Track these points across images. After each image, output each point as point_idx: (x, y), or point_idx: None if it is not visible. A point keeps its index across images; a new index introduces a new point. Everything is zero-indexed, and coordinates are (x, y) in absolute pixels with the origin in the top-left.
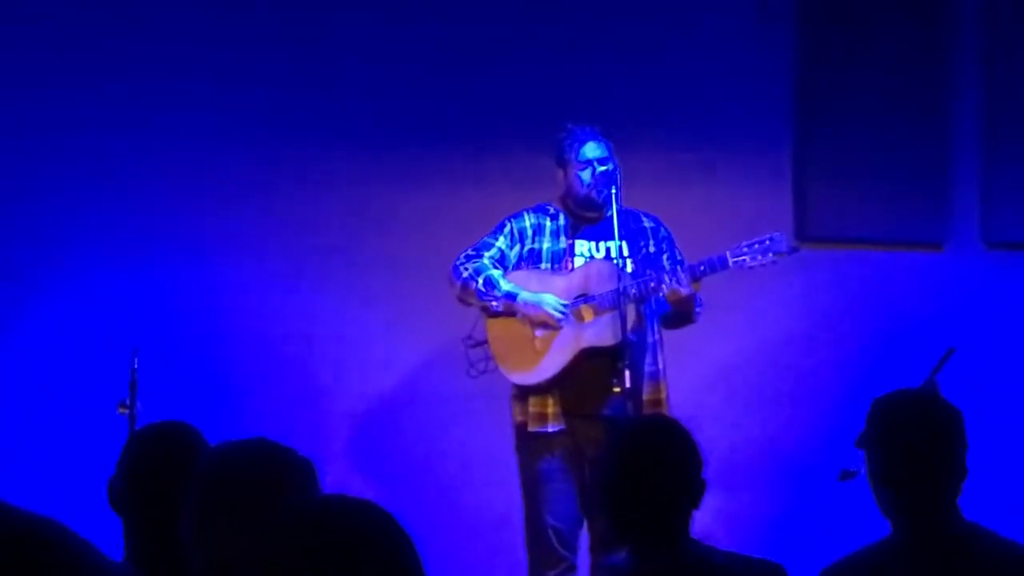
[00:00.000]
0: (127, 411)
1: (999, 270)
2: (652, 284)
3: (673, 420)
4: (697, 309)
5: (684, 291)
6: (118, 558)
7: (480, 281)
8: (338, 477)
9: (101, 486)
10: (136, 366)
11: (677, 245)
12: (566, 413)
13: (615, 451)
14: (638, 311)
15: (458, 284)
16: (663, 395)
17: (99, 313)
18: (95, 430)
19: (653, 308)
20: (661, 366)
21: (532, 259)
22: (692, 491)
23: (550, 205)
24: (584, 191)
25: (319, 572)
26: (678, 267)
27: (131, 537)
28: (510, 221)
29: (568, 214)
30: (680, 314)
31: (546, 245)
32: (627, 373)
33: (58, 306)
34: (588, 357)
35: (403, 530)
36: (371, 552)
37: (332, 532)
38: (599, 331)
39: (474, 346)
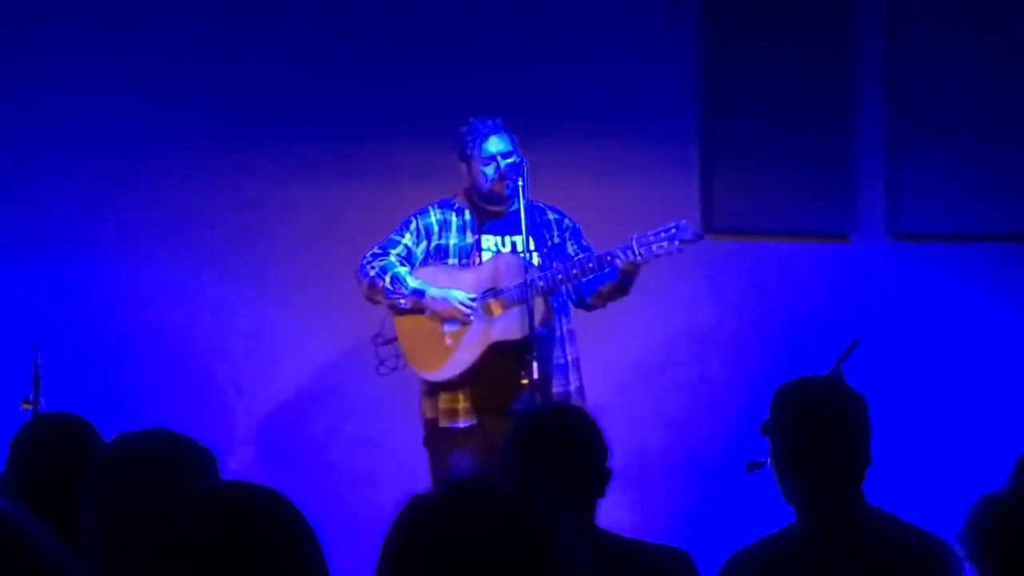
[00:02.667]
0: (30, 407)
1: (904, 261)
2: (591, 264)
3: (577, 408)
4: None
5: (639, 260)
6: None
7: (387, 279)
8: (243, 471)
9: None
10: (39, 359)
11: (583, 234)
12: (477, 408)
13: (516, 439)
14: (547, 304)
15: (365, 283)
16: (573, 387)
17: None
18: None
19: (563, 300)
20: (571, 358)
21: (439, 255)
22: (597, 479)
23: (455, 199)
24: (488, 186)
25: (215, 553)
26: (633, 240)
27: None
28: (416, 217)
29: (473, 209)
30: (622, 286)
31: (453, 241)
32: (535, 365)
33: None
34: (498, 352)
35: (302, 516)
36: (267, 534)
37: (228, 514)
38: (507, 325)
39: (384, 344)
